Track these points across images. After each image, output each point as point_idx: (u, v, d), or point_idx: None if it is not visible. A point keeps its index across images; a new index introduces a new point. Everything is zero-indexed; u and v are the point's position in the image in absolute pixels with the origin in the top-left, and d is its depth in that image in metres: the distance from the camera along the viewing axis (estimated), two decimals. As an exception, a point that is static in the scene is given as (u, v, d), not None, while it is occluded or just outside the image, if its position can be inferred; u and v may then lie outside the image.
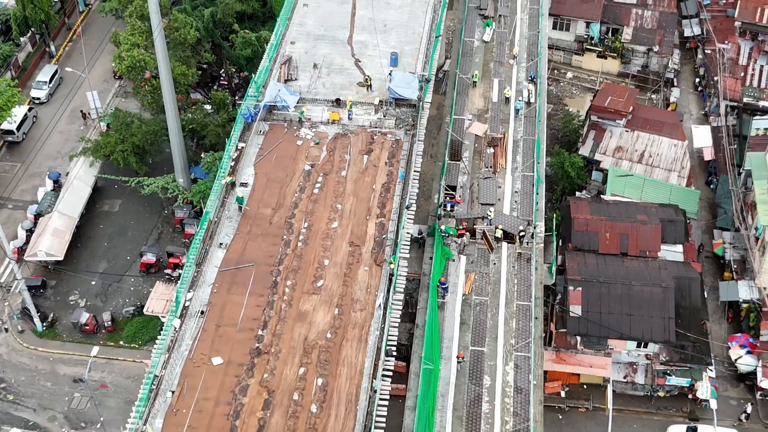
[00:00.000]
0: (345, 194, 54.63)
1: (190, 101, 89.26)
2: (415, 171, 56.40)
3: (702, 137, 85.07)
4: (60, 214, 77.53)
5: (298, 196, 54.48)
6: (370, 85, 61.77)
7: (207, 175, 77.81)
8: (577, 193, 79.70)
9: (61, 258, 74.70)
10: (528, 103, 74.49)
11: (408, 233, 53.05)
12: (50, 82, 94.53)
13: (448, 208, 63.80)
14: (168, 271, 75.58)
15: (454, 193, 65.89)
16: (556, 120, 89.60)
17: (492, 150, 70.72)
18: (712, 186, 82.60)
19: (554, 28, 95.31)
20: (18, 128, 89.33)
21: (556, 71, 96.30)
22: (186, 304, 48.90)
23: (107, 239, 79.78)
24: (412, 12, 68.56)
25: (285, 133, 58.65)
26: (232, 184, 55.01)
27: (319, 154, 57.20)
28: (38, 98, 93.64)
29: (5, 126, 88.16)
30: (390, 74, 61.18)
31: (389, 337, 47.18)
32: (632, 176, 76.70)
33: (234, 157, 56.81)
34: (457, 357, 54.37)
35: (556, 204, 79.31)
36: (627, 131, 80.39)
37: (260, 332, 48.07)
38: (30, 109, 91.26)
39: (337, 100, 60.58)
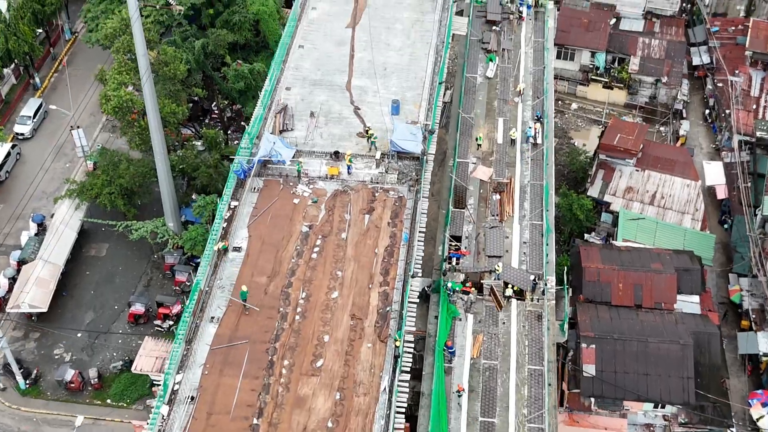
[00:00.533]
0: (345, 259, 51.00)
1: (180, 137, 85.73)
2: (420, 232, 52.78)
3: (714, 174, 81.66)
4: (44, 262, 73.76)
5: (296, 261, 50.84)
6: (371, 136, 58.23)
7: (199, 219, 74.34)
8: (586, 236, 76.35)
9: (45, 309, 71.03)
10: (535, 144, 70.94)
11: (413, 304, 49.45)
12: (34, 117, 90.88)
13: (454, 262, 60.28)
14: (158, 322, 72.04)
15: (459, 244, 62.36)
16: (561, 155, 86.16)
17: (498, 196, 67.19)
18: (725, 226, 79.19)
19: (558, 57, 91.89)
20: (0, 167, 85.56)
21: (560, 102, 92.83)
22: (175, 388, 45.18)
23: (94, 287, 76.13)
24: (413, 54, 64.98)
25: (281, 189, 54.93)
26: (225, 250, 51.37)
27: (318, 213, 53.57)
28: (22, 134, 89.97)
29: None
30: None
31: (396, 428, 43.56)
32: (644, 219, 73.35)
33: (226, 217, 53.15)
34: (457, 390, 50.82)
35: (564, 246, 75.92)
36: (637, 170, 77.00)
37: (255, 421, 44.35)
38: (13, 146, 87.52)
39: (336, 153, 56.98)
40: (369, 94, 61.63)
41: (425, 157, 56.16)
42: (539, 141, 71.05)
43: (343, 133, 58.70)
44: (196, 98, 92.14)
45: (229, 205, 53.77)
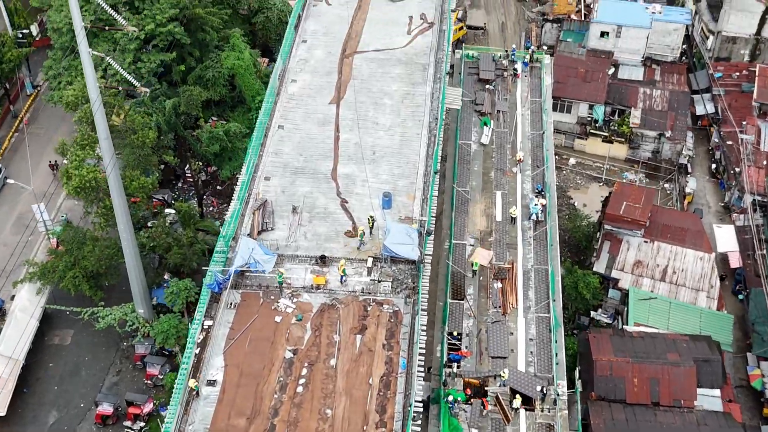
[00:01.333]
0: (336, 393, 44.71)
1: (151, 207, 79.48)
2: (420, 354, 46.56)
3: (726, 240, 76.19)
4: (2, 357, 67.18)
5: (279, 397, 44.50)
6: (364, 235, 51.99)
7: (173, 307, 68.32)
8: (593, 314, 70.70)
9: (3, 413, 64.52)
10: (537, 222, 65.08)
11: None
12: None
13: (454, 367, 54.39)
14: (128, 423, 65.73)
15: (459, 343, 56.44)
16: (561, 217, 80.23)
17: (500, 284, 61.28)
18: (740, 297, 73.66)
19: (554, 109, 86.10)
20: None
21: (558, 157, 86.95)
22: None
23: (57, 381, 69.70)
24: (404, 134, 58.82)
25: (261, 305, 48.65)
26: (197, 392, 44.65)
27: (303, 334, 47.27)
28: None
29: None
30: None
31: None
32: (656, 299, 67.61)
33: (199, 341, 46.80)
34: None
35: (569, 324, 70.19)
36: (646, 242, 71.39)
37: None
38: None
39: (322, 258, 50.78)
40: (357, 184, 55.44)
41: (422, 264, 50.07)
42: (542, 218, 65.22)
43: (329, 231, 52.45)
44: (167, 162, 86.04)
45: (203, 325, 47.46)
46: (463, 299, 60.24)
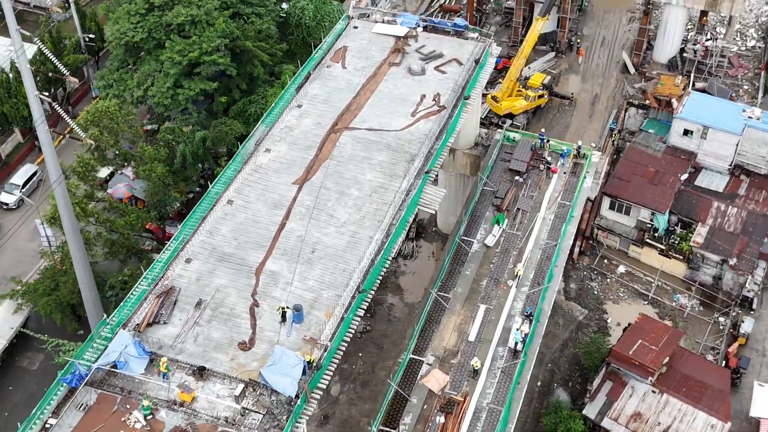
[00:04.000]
0: None
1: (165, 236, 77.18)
2: None
3: (765, 403, 64.59)
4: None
5: None
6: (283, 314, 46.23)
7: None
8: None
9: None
10: (514, 352, 57.03)
11: None
12: (24, 186, 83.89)
13: None
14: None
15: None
16: (588, 333, 71.04)
17: (443, 419, 53.90)
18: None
19: (611, 208, 76.50)
20: (-36, 240, 78.84)
21: (605, 261, 77.34)
22: None
23: (11, 407, 67.85)
24: (356, 235, 51.98)
25: (112, 413, 43.93)
26: None
27: (141, 461, 42.35)
28: (6, 203, 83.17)
29: (-48, 236, 78.16)
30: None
31: None
32: (641, 466, 57.73)
33: (36, 442, 42.72)
34: None
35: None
36: (654, 392, 61.47)
37: None
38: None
39: (201, 369, 45.37)
40: (279, 285, 49.33)
41: (300, 404, 43.48)
42: (520, 348, 57.15)
43: (223, 338, 46.67)
44: (198, 190, 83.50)
45: (45, 423, 43.28)
46: (395, 429, 53.43)
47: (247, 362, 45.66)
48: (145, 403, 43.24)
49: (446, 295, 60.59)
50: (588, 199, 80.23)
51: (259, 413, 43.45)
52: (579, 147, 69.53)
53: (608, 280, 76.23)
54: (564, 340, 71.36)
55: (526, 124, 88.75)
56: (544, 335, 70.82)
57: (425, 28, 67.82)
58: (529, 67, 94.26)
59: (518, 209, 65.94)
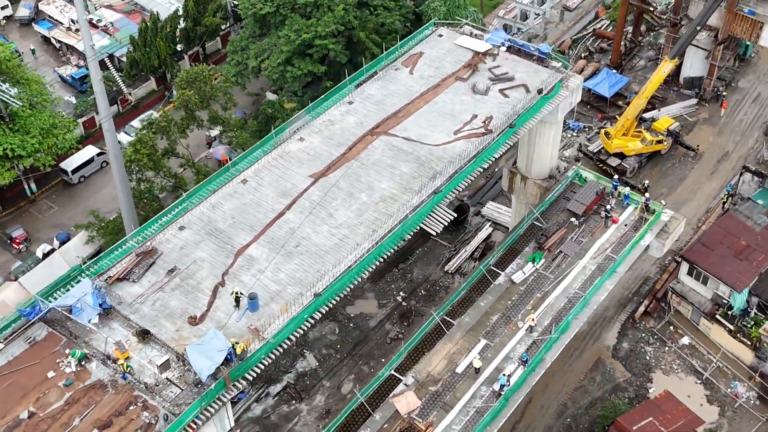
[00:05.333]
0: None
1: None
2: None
3: None
4: (18, 287, 72.26)
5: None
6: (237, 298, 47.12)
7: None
8: None
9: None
10: (497, 394, 54.92)
11: None
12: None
13: None
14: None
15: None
16: (616, 399, 66.92)
17: (397, 445, 52.92)
18: None
19: (689, 273, 71.21)
20: (75, 170, 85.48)
21: (671, 328, 72.19)
22: None
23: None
24: (345, 239, 50.91)
25: (52, 353, 46.30)
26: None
27: (55, 402, 44.24)
28: (123, 144, 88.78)
29: (63, 165, 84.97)
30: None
31: None
32: None
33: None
34: None
35: None
36: (649, 476, 56.96)
37: None
38: (100, 154, 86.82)
39: (144, 333, 46.84)
40: (251, 271, 49.83)
41: (214, 390, 43.81)
42: (501, 392, 54.96)
43: (178, 308, 47.76)
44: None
45: (-7, 346, 46.42)
46: (347, 439, 52.99)
47: (189, 336, 46.67)
48: (78, 350, 45.26)
49: (450, 320, 58.95)
50: (674, 260, 75.33)
51: (179, 388, 44.28)
52: (647, 200, 65.01)
53: (666, 348, 70.97)
54: (594, 398, 67.58)
55: (637, 167, 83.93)
56: (575, 389, 67.82)
57: (509, 49, 65.59)
58: (659, 110, 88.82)
59: (561, 252, 62.79)
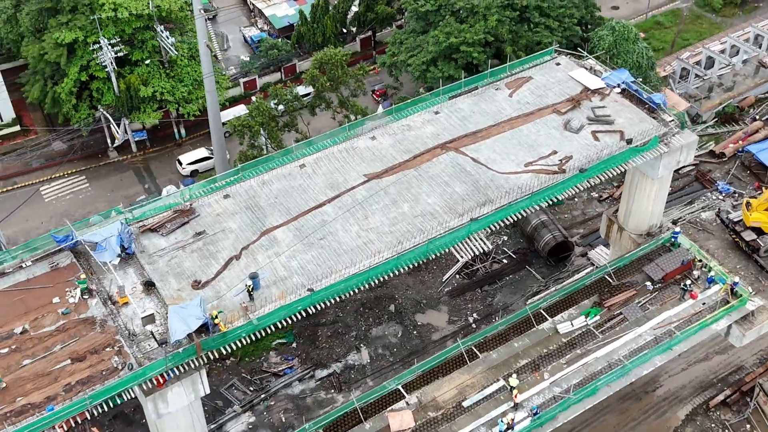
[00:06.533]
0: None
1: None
2: None
3: None
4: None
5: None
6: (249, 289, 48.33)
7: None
8: None
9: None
10: None
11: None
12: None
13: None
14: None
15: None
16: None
17: (377, 457, 52.71)
18: None
19: None
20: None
21: (748, 426, 65.97)
22: None
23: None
24: (368, 244, 50.05)
25: (66, 281, 49.45)
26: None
27: (49, 326, 47.16)
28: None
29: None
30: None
31: None
32: None
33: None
34: None
35: None
36: None
37: None
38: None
39: (149, 284, 48.93)
40: (268, 252, 50.59)
41: (181, 354, 45.17)
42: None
43: (190, 270, 49.47)
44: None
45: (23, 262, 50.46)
46: (330, 438, 53.37)
47: (186, 298, 48.60)
48: (83, 276, 48.40)
49: (477, 352, 57.24)
50: (777, 355, 68.53)
51: (156, 342, 46.37)
52: (735, 284, 59.42)
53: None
54: (634, 477, 63.08)
55: (775, 247, 76.09)
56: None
57: (623, 92, 61.93)
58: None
59: (620, 314, 58.97)
